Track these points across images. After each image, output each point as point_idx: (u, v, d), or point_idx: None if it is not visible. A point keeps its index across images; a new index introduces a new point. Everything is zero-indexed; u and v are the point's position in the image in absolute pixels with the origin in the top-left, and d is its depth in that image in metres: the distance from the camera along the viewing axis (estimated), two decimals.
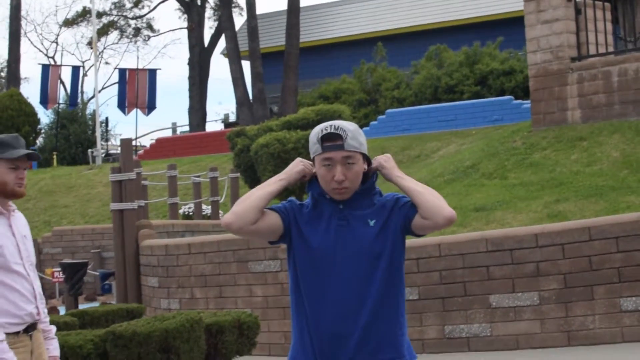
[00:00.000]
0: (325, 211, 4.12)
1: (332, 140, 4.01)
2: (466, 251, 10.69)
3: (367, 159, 4.11)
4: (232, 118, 44.90)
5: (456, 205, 13.91)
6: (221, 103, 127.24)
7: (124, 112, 38.56)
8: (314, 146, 4.07)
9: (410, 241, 10.92)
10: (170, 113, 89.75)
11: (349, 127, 4.05)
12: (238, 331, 9.50)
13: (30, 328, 5.46)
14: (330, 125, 4.04)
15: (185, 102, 48.39)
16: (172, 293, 13.38)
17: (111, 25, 49.06)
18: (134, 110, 38.44)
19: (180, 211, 20.78)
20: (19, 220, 5.57)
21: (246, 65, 39.72)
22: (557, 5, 16.23)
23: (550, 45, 16.26)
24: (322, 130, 4.05)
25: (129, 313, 10.31)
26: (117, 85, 41.25)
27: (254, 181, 18.27)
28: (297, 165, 4.13)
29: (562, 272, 10.24)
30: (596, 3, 16.70)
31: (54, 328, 5.81)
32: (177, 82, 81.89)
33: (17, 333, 5.38)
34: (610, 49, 16.83)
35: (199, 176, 21.79)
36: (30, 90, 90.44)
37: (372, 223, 4.08)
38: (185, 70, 51.38)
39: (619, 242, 9.97)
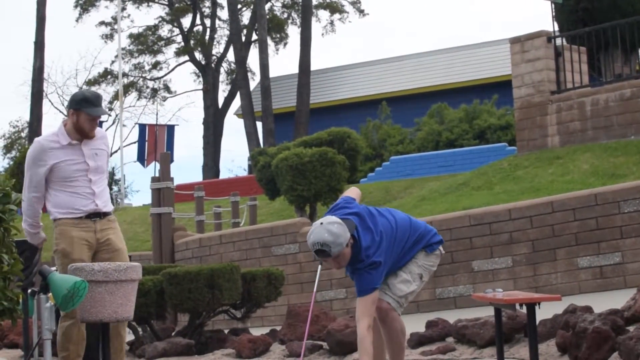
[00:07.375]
0: None
1: (321, 255, 5.86)
2: (453, 226, 12.98)
3: (352, 238, 5.91)
4: (244, 174, 47.00)
5: (447, 208, 16.21)
6: (233, 160, 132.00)
7: (143, 164, 40.71)
8: (312, 251, 6.03)
9: None
10: (184, 170, 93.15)
11: (328, 239, 5.77)
12: (267, 280, 11.63)
13: (93, 215, 7.23)
14: (317, 243, 5.80)
15: (199, 161, 50.71)
16: None
17: (131, 85, 51.67)
18: (153, 163, 40.70)
19: None
20: (94, 142, 7.33)
21: (259, 125, 42.06)
22: (539, 46, 18.56)
23: (533, 80, 18.58)
24: (313, 246, 5.84)
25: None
26: (135, 144, 43.59)
27: (274, 192, 20.60)
28: None
29: (530, 239, 12.50)
30: (572, 47, 19.06)
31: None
32: (191, 142, 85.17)
33: (80, 217, 7.19)
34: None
35: (219, 206, 24.23)
36: None
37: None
38: (199, 131, 53.60)
39: (575, 212, 12.25)
